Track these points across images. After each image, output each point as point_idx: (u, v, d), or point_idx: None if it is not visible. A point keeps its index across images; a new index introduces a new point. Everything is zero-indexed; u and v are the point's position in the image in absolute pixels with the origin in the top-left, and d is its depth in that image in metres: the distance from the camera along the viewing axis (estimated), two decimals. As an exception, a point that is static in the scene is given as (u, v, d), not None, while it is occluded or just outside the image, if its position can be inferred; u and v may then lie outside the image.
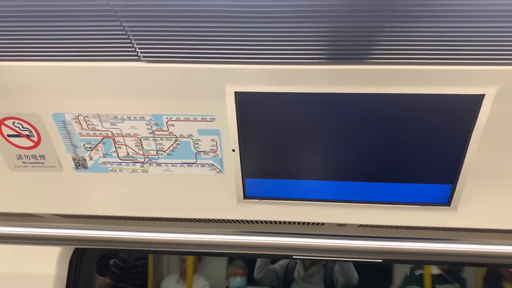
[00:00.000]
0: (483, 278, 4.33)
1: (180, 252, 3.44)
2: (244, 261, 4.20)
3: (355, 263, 3.94)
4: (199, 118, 1.36)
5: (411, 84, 1.18)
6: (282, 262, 4.19)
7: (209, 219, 1.61)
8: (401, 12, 1.01)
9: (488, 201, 1.44)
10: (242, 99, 1.26)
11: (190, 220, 1.64)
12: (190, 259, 4.29)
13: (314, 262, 4.02)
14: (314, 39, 1.09)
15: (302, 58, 1.14)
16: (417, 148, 1.32)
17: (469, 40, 1.07)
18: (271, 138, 1.35)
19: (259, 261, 4.08)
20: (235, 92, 1.24)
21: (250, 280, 4.23)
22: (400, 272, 4.50)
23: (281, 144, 1.36)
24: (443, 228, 1.53)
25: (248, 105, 1.28)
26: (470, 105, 1.21)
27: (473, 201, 1.43)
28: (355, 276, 3.99)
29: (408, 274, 4.00)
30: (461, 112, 1.23)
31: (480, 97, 1.19)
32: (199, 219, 1.62)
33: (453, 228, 1.51)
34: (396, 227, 1.56)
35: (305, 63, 1.15)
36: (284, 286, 4.21)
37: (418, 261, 3.35)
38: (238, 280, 4.07)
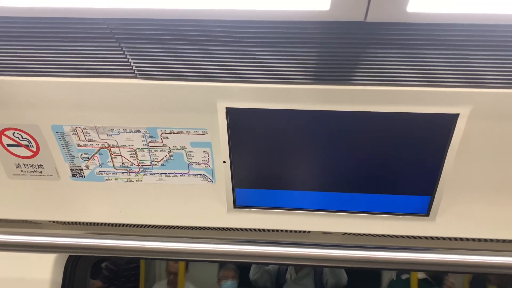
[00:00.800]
0: (469, 282, 4.43)
1: (173, 259, 3.49)
2: (235, 264, 4.26)
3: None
4: (191, 131, 1.42)
5: (392, 103, 1.26)
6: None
7: (200, 227, 1.67)
8: (381, 40, 1.09)
9: (464, 211, 1.52)
10: (232, 114, 1.33)
11: (182, 227, 1.70)
12: (181, 269, 4.32)
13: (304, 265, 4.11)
14: (301, 61, 1.16)
15: (290, 78, 1.22)
16: (398, 162, 1.40)
17: (445, 65, 1.15)
18: (260, 151, 1.43)
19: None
20: (226, 108, 1.32)
21: (241, 283, 4.29)
22: (389, 275, 4.58)
23: (270, 156, 1.43)
24: (422, 237, 1.61)
25: (238, 120, 1.35)
26: (446, 123, 1.30)
27: (450, 211, 1.52)
28: (344, 277, 4.08)
29: (394, 279, 4.09)
30: (438, 130, 1.32)
31: (455, 116, 1.27)
32: (191, 227, 1.68)
33: (432, 237, 1.60)
34: (379, 235, 1.64)
35: (293, 83, 1.23)
36: (275, 286, 4.29)
37: (400, 269, 3.45)
38: (229, 283, 4.12)
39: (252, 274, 4.21)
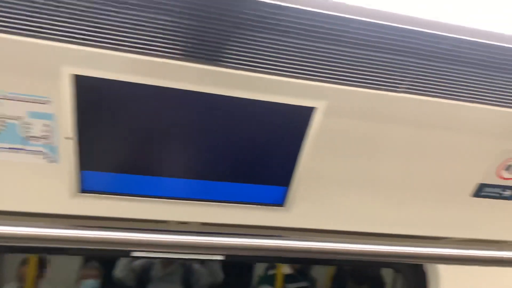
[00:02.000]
0: (332, 278, 4.81)
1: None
2: (98, 262, 3.93)
3: (222, 263, 4.02)
4: (30, 99, 1.22)
5: (253, 90, 1.25)
6: (141, 261, 4.05)
7: (37, 213, 1.45)
8: (250, 22, 1.06)
9: (319, 203, 1.59)
10: (81, 83, 1.17)
11: (16, 213, 1.46)
12: (31, 273, 3.81)
13: (171, 261, 3.98)
14: (164, 32, 1.07)
15: (151, 49, 1.11)
16: (257, 151, 1.40)
17: (305, 57, 1.17)
18: (113, 129, 1.29)
19: (123, 260, 3.88)
20: (73, 75, 1.15)
21: (106, 283, 3.97)
22: (259, 271, 4.73)
23: (124, 136, 1.31)
24: (278, 227, 1.64)
25: (88, 91, 1.20)
26: (304, 116, 1.33)
27: (305, 203, 1.57)
28: (219, 275, 4.06)
29: (262, 274, 4.24)
30: (297, 122, 1.34)
31: (312, 109, 1.31)
32: (26, 213, 1.45)
33: (287, 227, 1.64)
34: (236, 225, 1.63)
35: (154, 55, 1.12)
36: (142, 285, 4.07)
37: (253, 256, 3.58)
38: (90, 283, 3.79)
39: (118, 271, 3.93)
